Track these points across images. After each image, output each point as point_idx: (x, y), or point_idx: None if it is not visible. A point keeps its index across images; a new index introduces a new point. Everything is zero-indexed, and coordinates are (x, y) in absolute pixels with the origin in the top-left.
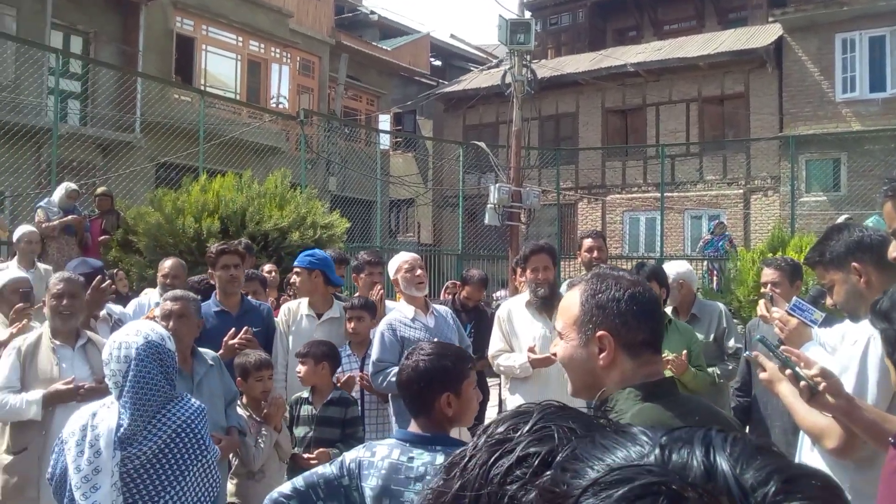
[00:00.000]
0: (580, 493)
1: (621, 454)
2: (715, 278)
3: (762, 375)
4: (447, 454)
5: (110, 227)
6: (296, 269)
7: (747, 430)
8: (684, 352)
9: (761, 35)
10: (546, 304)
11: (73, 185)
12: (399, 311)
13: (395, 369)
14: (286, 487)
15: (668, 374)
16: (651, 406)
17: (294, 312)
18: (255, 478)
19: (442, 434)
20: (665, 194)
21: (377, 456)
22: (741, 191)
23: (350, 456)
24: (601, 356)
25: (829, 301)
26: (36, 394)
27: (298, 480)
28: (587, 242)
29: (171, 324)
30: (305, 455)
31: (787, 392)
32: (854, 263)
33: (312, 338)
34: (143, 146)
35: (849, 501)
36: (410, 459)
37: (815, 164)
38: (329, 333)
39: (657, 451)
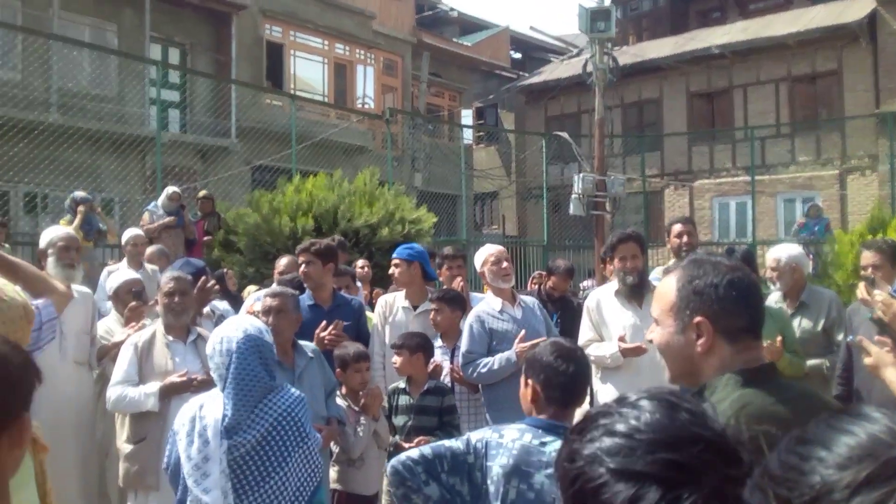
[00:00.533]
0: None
1: (861, 433)
2: (811, 263)
3: (867, 360)
4: None
5: (212, 229)
6: (395, 261)
7: None
8: (779, 338)
9: (853, 9)
10: (635, 292)
11: (174, 188)
12: (487, 304)
13: (485, 360)
14: (414, 453)
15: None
16: (752, 392)
17: (391, 305)
18: (356, 465)
19: (570, 423)
20: (756, 178)
21: (506, 438)
22: (836, 171)
23: (476, 436)
24: (699, 342)
25: None
26: (153, 386)
27: (426, 448)
28: (676, 228)
29: (270, 319)
30: (406, 445)
31: (894, 377)
32: None
33: (408, 329)
34: (239, 150)
35: None
36: (543, 444)
37: None
38: (425, 325)
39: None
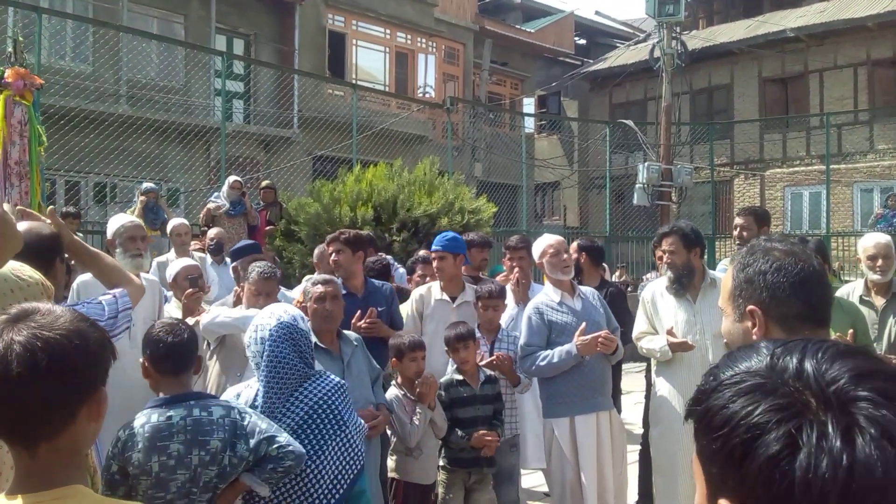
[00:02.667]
0: (714, 386)
1: (745, 363)
2: None
3: None
4: (202, 405)
5: (274, 218)
6: (440, 253)
7: None
8: (850, 331)
9: None
10: (684, 286)
11: (235, 177)
12: (546, 295)
13: (544, 353)
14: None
15: None
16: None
17: (426, 298)
18: (413, 454)
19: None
20: (831, 166)
21: (136, 426)
22: None
23: (104, 446)
24: (754, 331)
25: None
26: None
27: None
28: (736, 220)
29: (327, 305)
30: (487, 436)
31: None
32: None
33: (450, 319)
34: (301, 140)
35: None
36: (169, 418)
37: None
38: (464, 317)
39: (768, 359)
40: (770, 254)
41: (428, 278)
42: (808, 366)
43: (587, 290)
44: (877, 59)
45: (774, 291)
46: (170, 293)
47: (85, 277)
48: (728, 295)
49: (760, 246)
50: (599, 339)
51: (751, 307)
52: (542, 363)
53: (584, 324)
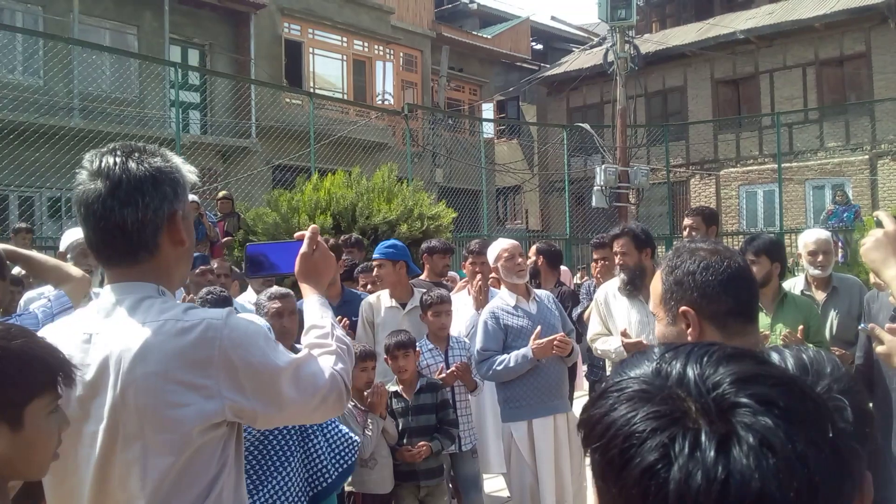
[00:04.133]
0: (600, 393)
1: (635, 370)
2: (841, 251)
3: (879, 349)
4: None
5: (232, 229)
6: (379, 262)
7: (871, 406)
8: (800, 327)
9: None
10: (634, 287)
11: (192, 197)
12: (501, 299)
13: (501, 357)
14: None
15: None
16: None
17: (376, 306)
18: (368, 465)
19: None
20: (783, 165)
21: None
22: (867, 157)
23: None
24: (689, 332)
25: None
26: None
27: None
28: (685, 221)
29: (284, 321)
30: (409, 450)
31: None
32: None
33: (399, 327)
34: (260, 150)
35: (817, 400)
36: None
37: None
38: (414, 322)
39: (655, 364)
40: (696, 254)
41: (369, 286)
42: (691, 371)
43: (542, 294)
44: (824, 59)
45: (704, 290)
46: None
47: (30, 294)
48: (659, 299)
49: (686, 247)
50: (555, 342)
51: (683, 308)
52: (499, 367)
53: (539, 327)
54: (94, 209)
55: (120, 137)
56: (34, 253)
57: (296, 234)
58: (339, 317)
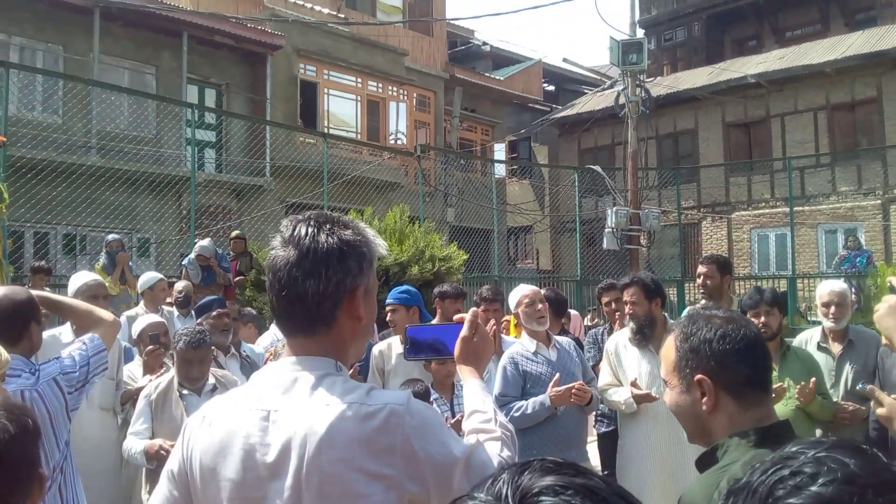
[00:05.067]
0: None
1: (487, 484)
2: (853, 297)
3: (879, 411)
4: None
5: (244, 268)
6: (393, 307)
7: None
8: (812, 379)
9: (892, 35)
10: (644, 336)
11: (200, 248)
12: (521, 345)
13: (519, 404)
14: None
15: (793, 403)
16: (765, 453)
17: (387, 353)
18: None
19: None
20: (795, 209)
21: None
22: (879, 201)
23: None
24: (703, 401)
25: None
26: (141, 444)
27: None
28: (699, 269)
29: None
30: None
31: None
32: None
33: (412, 375)
34: (273, 189)
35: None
36: None
37: None
38: (422, 370)
39: (492, 480)
40: (712, 321)
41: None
42: (503, 488)
43: (563, 341)
44: (836, 103)
45: (721, 359)
46: (136, 349)
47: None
48: (672, 366)
49: (701, 315)
50: (573, 391)
51: (699, 376)
52: (517, 414)
53: (557, 374)
54: (279, 276)
55: (136, 175)
56: (66, 298)
57: (455, 317)
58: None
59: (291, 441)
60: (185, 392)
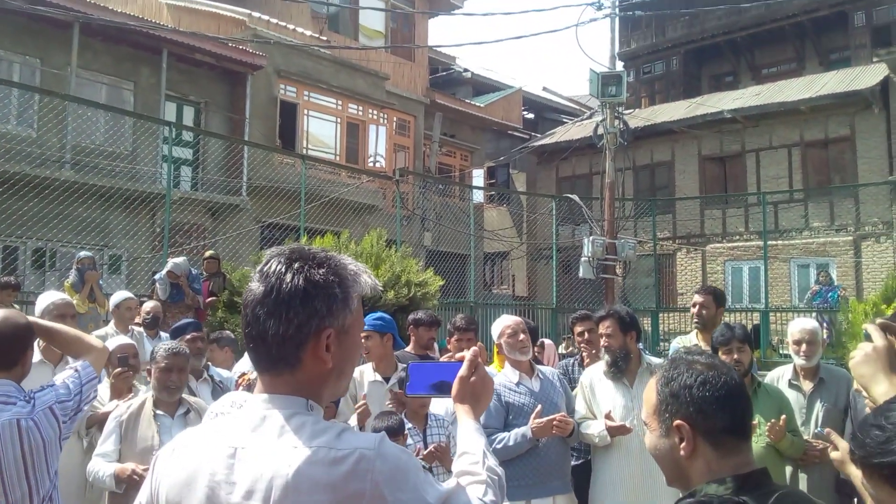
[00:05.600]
0: None
1: None
2: (825, 332)
3: (833, 454)
4: None
5: (217, 289)
6: (366, 333)
7: (854, 502)
8: (783, 417)
9: (866, 76)
10: (618, 370)
11: (171, 265)
12: (504, 376)
13: (501, 436)
14: None
15: (763, 440)
16: (745, 501)
17: (359, 381)
18: None
19: None
20: (769, 242)
21: None
22: (851, 237)
23: None
24: (682, 446)
25: None
26: (110, 468)
27: None
28: (695, 298)
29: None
30: None
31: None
32: None
33: (385, 401)
34: (250, 208)
35: None
36: None
37: None
38: None
39: None
40: (693, 367)
41: None
42: None
43: (547, 371)
44: (809, 140)
45: (701, 406)
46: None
47: None
48: (653, 409)
49: (683, 359)
50: (554, 422)
51: (678, 422)
52: (499, 446)
53: (539, 406)
54: (246, 312)
55: (109, 191)
56: (58, 325)
57: (457, 356)
58: None
59: (257, 482)
60: (158, 412)
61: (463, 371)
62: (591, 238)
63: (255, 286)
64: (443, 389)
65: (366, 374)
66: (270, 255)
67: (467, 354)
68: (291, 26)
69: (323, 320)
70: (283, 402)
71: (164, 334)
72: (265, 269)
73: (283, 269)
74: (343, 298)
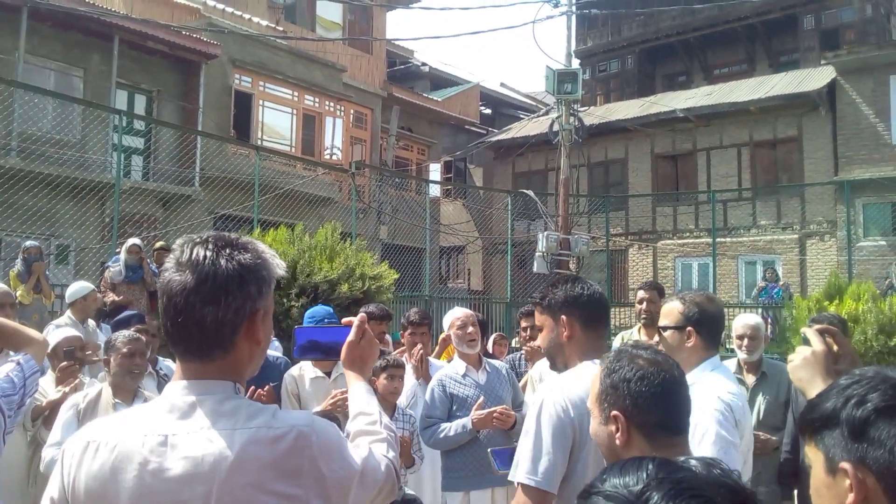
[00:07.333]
0: (587, 491)
1: (626, 477)
2: (769, 327)
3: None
4: None
5: None
6: None
7: (795, 493)
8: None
9: (814, 78)
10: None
11: (133, 241)
12: (452, 367)
13: (443, 426)
14: None
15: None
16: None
17: (300, 378)
18: None
19: None
20: (717, 240)
21: None
22: (796, 236)
23: None
24: (617, 436)
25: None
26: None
27: None
28: (639, 294)
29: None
30: None
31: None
32: (563, 316)
33: (327, 395)
34: (202, 199)
35: None
36: None
37: (873, 208)
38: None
39: (640, 487)
40: (635, 361)
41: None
42: None
43: (497, 364)
44: (758, 140)
45: (636, 400)
46: (48, 364)
47: None
48: (595, 398)
49: (627, 352)
50: (495, 415)
51: (614, 413)
52: (440, 436)
53: (481, 398)
54: (175, 302)
55: (57, 180)
56: None
57: (344, 320)
58: (266, 384)
59: (197, 466)
60: (117, 401)
61: (352, 336)
62: (545, 233)
63: (183, 275)
64: (329, 353)
65: (305, 370)
66: (191, 243)
67: (355, 319)
68: (247, 16)
69: (255, 303)
70: (208, 386)
71: (105, 326)
72: (192, 257)
73: (215, 256)
74: (268, 281)
